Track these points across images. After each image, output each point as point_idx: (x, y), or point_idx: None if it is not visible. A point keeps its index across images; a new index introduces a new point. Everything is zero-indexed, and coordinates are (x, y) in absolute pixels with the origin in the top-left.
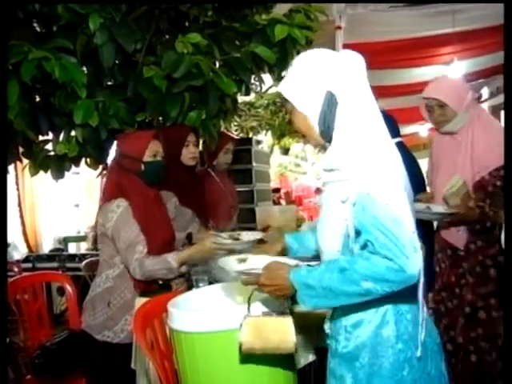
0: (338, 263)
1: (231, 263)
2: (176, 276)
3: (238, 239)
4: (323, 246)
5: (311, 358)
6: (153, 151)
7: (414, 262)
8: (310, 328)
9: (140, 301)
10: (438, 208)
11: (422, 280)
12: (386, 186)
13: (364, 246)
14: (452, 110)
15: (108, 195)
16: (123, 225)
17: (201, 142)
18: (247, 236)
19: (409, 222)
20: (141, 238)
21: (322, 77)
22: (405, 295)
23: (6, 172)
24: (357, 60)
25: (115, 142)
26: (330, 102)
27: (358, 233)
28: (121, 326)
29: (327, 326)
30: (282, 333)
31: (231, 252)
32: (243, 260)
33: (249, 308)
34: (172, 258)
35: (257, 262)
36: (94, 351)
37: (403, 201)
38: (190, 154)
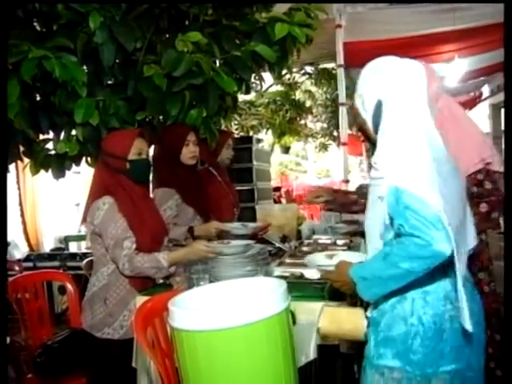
0: (382, 251)
1: (318, 258)
2: (165, 276)
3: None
4: (368, 235)
5: (312, 355)
6: (138, 149)
7: (441, 237)
8: (311, 325)
9: (140, 299)
10: None
11: (456, 260)
12: (412, 178)
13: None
14: None
15: (94, 194)
16: (110, 221)
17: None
18: (236, 242)
19: (434, 203)
20: (128, 234)
21: (374, 87)
22: (432, 276)
23: (6, 171)
24: (416, 69)
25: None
26: (379, 109)
27: (392, 222)
28: (119, 322)
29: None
30: (355, 322)
31: (220, 255)
32: (330, 256)
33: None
34: (163, 258)
35: (343, 259)
36: (95, 350)
37: (428, 187)
38: (189, 153)
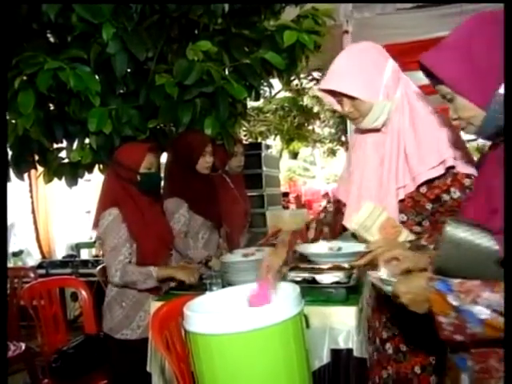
0: None
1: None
2: (152, 288)
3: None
4: None
5: (326, 360)
6: (149, 163)
7: None
8: (324, 329)
9: (155, 305)
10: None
11: None
12: None
13: None
14: (365, 101)
15: (103, 204)
16: (111, 231)
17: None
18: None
19: None
20: (128, 244)
21: None
22: None
23: (6, 172)
24: None
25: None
26: None
27: None
28: (136, 322)
29: None
30: None
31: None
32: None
33: None
34: (154, 270)
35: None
36: (115, 350)
37: None
38: (205, 163)
